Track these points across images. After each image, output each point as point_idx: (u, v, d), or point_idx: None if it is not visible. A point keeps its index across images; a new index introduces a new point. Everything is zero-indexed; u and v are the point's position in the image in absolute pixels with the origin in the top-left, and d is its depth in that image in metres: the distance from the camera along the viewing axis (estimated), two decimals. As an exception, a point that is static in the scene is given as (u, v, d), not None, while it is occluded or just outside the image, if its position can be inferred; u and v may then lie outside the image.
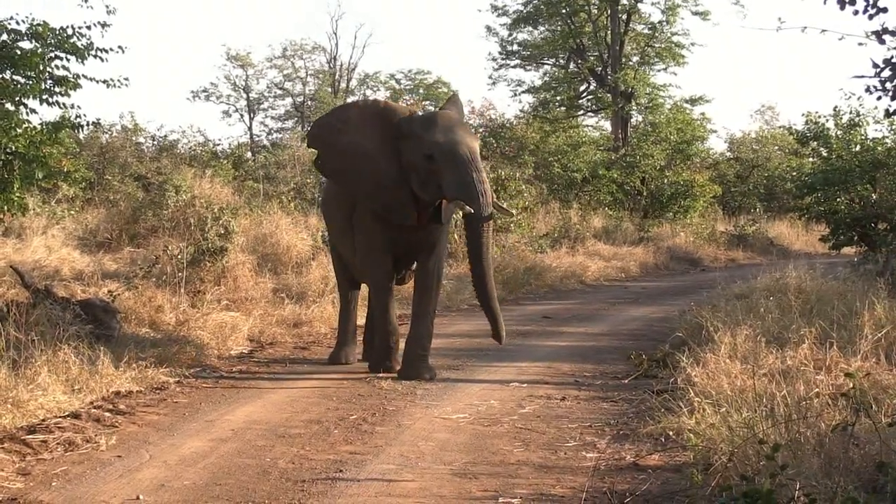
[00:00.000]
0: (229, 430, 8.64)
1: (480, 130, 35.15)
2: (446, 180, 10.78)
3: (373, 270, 11.59)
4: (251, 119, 53.48)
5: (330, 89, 52.82)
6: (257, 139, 51.56)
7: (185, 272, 14.60)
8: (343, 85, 53.17)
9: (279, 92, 54.12)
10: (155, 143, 31.42)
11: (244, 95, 53.12)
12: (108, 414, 9.07)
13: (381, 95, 53.60)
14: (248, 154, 40.54)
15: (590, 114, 45.28)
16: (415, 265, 11.89)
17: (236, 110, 53.26)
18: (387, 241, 11.38)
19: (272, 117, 54.70)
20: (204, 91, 52.55)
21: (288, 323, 14.61)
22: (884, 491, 5.71)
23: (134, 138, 30.19)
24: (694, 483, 6.54)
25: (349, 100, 50.23)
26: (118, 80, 12.68)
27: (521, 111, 41.84)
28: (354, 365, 11.97)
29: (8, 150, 11.71)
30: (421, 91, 52.73)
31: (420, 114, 11.95)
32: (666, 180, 34.09)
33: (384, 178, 11.14)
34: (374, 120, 11.42)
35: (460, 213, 11.00)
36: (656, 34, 41.13)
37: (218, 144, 35.09)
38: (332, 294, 15.59)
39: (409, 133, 11.10)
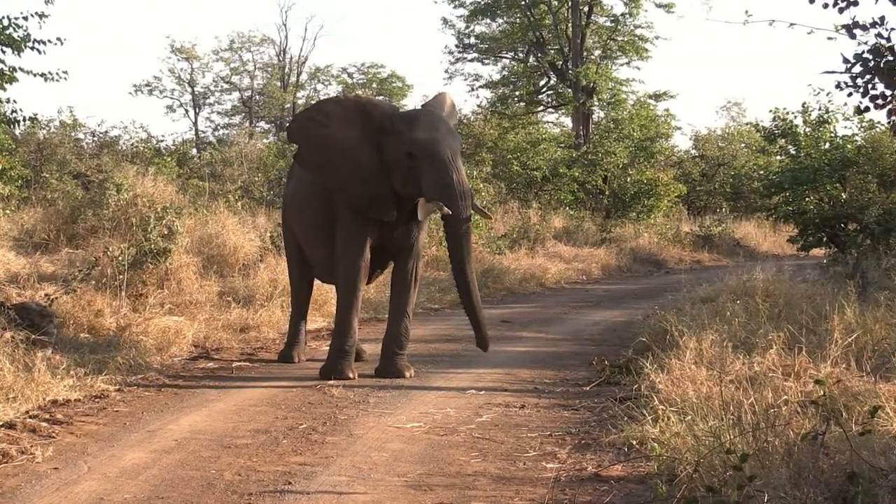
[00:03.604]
0: (172, 440, 8.58)
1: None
2: (426, 180, 11.05)
3: (347, 266, 11.62)
4: (196, 114, 53.43)
5: (279, 83, 52.83)
6: (203, 135, 51.58)
7: (127, 275, 14.51)
8: (293, 79, 53.12)
9: (226, 86, 54.10)
10: (95, 139, 31.31)
11: (189, 90, 53.04)
12: (44, 424, 8.98)
13: (333, 90, 53.64)
14: (194, 151, 40.47)
15: (550, 110, 45.50)
16: (389, 266, 12.20)
17: (181, 105, 53.21)
18: (367, 238, 11.55)
19: (218, 112, 54.73)
20: (147, 85, 52.45)
21: (234, 328, 14.54)
22: (854, 502, 5.73)
23: (73, 134, 30.11)
24: (658, 495, 6.55)
25: (298, 95, 50.33)
26: (56, 74, 12.64)
27: (478, 106, 41.92)
28: (304, 372, 11.93)
29: (-61, 146, 11.63)
30: (374, 86, 52.74)
31: (403, 110, 12.18)
32: (629, 179, 34.25)
33: (365, 172, 11.38)
34: (356, 114, 11.68)
35: (439, 213, 11.18)
36: (619, 27, 41.36)
37: (161, 141, 35.03)
38: (280, 298, 15.56)
39: (391, 129, 11.36)
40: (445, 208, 10.93)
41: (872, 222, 18.21)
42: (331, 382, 11.11)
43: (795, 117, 21.14)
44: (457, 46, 44.63)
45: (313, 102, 15.36)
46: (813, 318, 11.49)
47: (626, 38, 41.53)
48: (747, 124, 40.49)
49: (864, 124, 20.49)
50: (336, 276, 12.08)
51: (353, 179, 11.40)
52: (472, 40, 44.33)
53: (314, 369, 11.84)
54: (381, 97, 47.41)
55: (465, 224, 11.18)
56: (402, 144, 11.14)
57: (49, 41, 12.38)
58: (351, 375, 11.40)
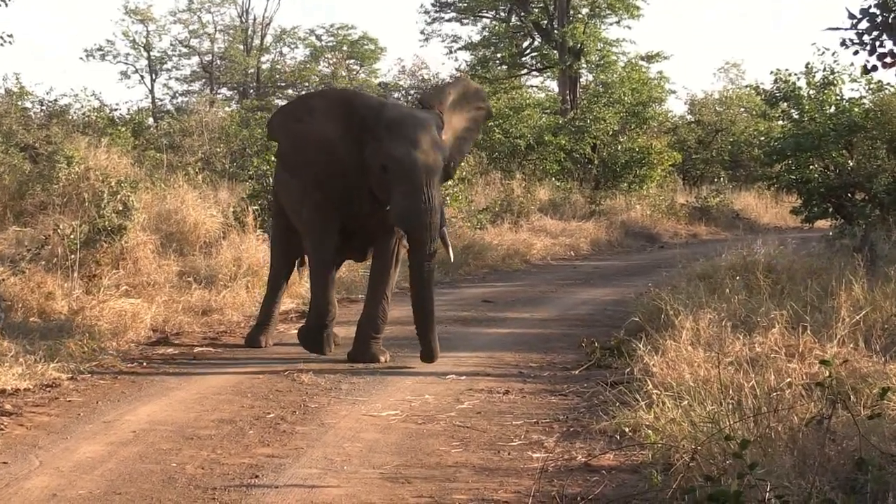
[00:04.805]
0: (130, 431, 8.57)
1: (412, 93, 34.98)
2: (393, 202, 11.02)
3: (317, 240, 11.78)
4: (153, 81, 53.02)
5: (242, 47, 52.54)
6: (160, 103, 51.19)
7: (79, 254, 14.46)
8: (257, 42, 52.87)
9: (184, 50, 53.70)
10: (44, 108, 31.10)
11: (145, 54, 52.62)
12: (-9, 415, 8.99)
13: (300, 53, 53.54)
14: (150, 120, 40.24)
15: (534, 73, 45.36)
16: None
17: (136, 71, 52.73)
18: (337, 216, 11.67)
19: (177, 79, 54.31)
20: (99, 50, 51.96)
21: (196, 310, 14.50)
22: (863, 491, 5.74)
23: (20, 103, 29.89)
24: (653, 485, 6.56)
25: (262, 59, 50.26)
26: (1, 37, 12.54)
27: (457, 70, 41.80)
28: (272, 357, 11.93)
29: None
30: (345, 48, 52.56)
31: (393, 105, 12.17)
32: (620, 147, 34.13)
33: (343, 168, 11.36)
34: (339, 109, 11.64)
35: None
36: (608, -18, 41.16)
37: (115, 109, 34.73)
38: (245, 278, 15.53)
39: (373, 129, 11.24)
40: (405, 241, 10.97)
41: (881, 191, 18.22)
42: (300, 366, 11.10)
43: (798, 79, 21.10)
44: (433, 5, 44.49)
45: (299, 95, 15.51)
46: (818, 295, 11.52)
47: (615, -5, 41.41)
48: (747, 87, 40.29)
49: (872, 86, 20.45)
50: (307, 252, 12.16)
51: (329, 175, 11.44)
52: (450, -2, 44.25)
53: (282, 354, 11.86)
54: (351, 60, 47.33)
55: (429, 260, 11.14)
56: (378, 154, 11.06)
57: (-9, 2, 12.33)
58: (328, 351, 11.60)
